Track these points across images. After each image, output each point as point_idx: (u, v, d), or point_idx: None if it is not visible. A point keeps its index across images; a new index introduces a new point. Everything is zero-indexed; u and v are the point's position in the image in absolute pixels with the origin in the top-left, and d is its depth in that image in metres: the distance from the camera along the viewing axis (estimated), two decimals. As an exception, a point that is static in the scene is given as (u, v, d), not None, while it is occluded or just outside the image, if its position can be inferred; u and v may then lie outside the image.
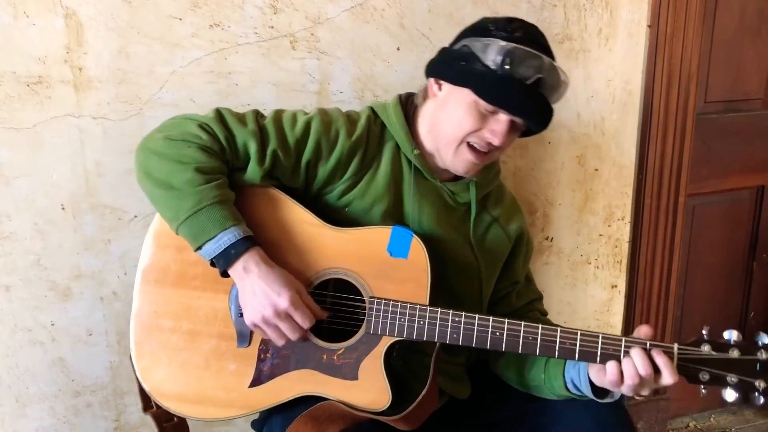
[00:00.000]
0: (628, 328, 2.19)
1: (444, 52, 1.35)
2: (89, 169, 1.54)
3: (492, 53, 1.24)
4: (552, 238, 2.02)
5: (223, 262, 1.21)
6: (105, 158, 1.54)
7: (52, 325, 1.61)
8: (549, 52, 1.30)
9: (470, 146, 1.30)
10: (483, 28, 1.30)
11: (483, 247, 1.42)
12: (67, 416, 1.68)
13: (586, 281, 2.10)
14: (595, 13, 1.85)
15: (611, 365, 1.18)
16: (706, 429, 2.44)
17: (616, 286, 2.15)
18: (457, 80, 1.29)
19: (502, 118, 1.27)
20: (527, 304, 1.52)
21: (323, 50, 1.64)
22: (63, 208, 1.55)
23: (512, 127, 1.29)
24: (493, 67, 1.24)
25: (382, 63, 1.69)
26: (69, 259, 1.58)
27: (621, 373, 1.18)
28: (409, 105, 1.41)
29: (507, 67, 1.23)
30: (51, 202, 1.54)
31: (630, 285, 2.15)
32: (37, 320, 1.60)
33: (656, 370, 1.17)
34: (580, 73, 1.88)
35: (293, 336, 1.23)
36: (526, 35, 1.27)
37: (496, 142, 1.27)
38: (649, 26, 1.91)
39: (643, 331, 1.21)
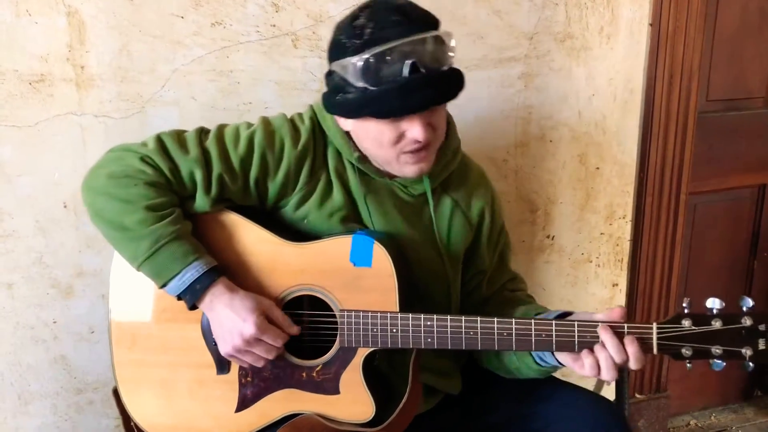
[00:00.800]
0: (629, 326, 2.19)
1: (326, 83, 1.28)
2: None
3: (354, 77, 1.18)
4: (553, 237, 2.02)
5: (190, 297, 1.21)
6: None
7: (54, 322, 1.62)
8: (406, 23, 1.17)
9: (405, 152, 1.25)
10: (338, 45, 1.22)
11: (449, 240, 1.38)
12: (69, 413, 1.69)
13: (587, 279, 2.10)
14: (597, 11, 1.85)
15: (588, 361, 1.17)
16: (707, 427, 2.44)
17: (617, 285, 2.15)
18: (347, 114, 1.25)
19: (412, 117, 1.20)
20: (499, 289, 1.47)
21: (325, 49, 1.62)
22: (65, 206, 1.55)
23: (428, 114, 1.22)
24: (363, 87, 1.17)
25: (384, 61, 1.69)
26: (71, 256, 1.58)
27: (598, 365, 1.17)
28: None
29: (374, 80, 1.16)
30: (53, 200, 1.54)
31: (631, 283, 2.15)
32: (39, 318, 1.60)
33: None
34: (581, 72, 1.88)
35: (269, 356, 1.23)
36: (376, 28, 1.17)
37: (422, 138, 1.21)
38: (651, 25, 1.91)
39: (616, 313, 1.18)
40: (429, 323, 1.21)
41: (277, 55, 1.60)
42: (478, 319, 1.20)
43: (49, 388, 1.65)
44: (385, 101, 1.17)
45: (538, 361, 1.29)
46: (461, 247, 1.39)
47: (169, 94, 1.56)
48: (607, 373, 1.16)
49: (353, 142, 1.31)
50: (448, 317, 1.21)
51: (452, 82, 1.22)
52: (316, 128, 1.33)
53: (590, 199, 2.02)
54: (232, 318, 1.20)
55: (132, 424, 1.33)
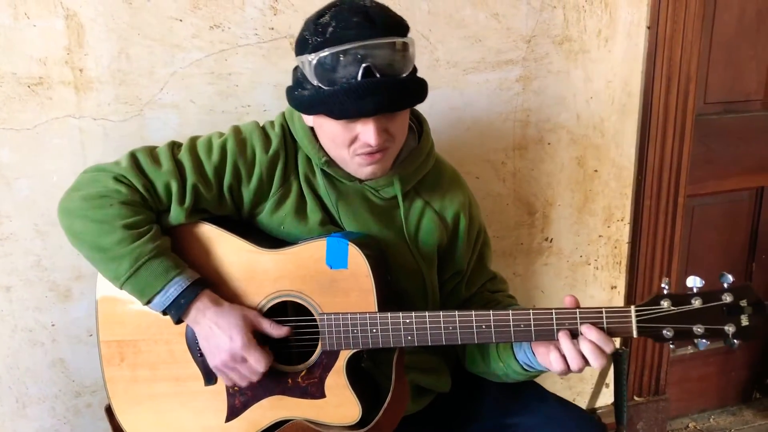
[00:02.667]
0: (627, 328, 2.19)
1: (292, 77, 1.28)
2: (90, 170, 1.54)
3: (310, 75, 1.18)
4: (551, 239, 2.02)
5: (175, 312, 1.22)
6: (105, 159, 1.53)
7: (53, 325, 1.62)
8: (368, 26, 1.15)
9: (359, 154, 1.24)
10: (301, 40, 1.21)
11: (419, 241, 1.37)
12: (68, 417, 1.68)
13: (585, 282, 2.10)
14: (595, 14, 1.86)
15: (554, 358, 1.17)
16: (706, 430, 2.44)
17: (615, 287, 2.15)
18: (302, 110, 1.25)
19: (366, 120, 1.19)
20: (478, 290, 1.46)
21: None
22: (63, 209, 1.55)
23: (384, 118, 1.20)
24: (318, 85, 1.17)
25: (382, 64, 1.69)
26: (69, 259, 1.58)
27: (565, 360, 1.16)
28: None
29: (328, 80, 1.16)
30: (51, 203, 1.54)
31: (629, 286, 2.15)
32: (38, 321, 1.60)
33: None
34: (579, 74, 1.89)
35: (253, 377, 1.23)
36: (337, 27, 1.15)
37: (374, 143, 1.20)
38: (649, 27, 1.91)
39: (568, 300, 1.18)
40: (408, 321, 1.21)
41: (275, 58, 1.61)
42: (456, 313, 1.20)
43: (47, 391, 1.65)
44: (335, 102, 1.16)
45: (526, 367, 1.29)
46: (433, 246, 1.38)
47: (168, 96, 1.56)
48: (574, 366, 1.15)
49: (321, 146, 1.31)
50: (426, 313, 1.21)
51: (408, 91, 1.20)
52: (287, 134, 1.33)
53: (588, 201, 2.02)
54: (218, 334, 1.21)
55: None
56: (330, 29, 1.16)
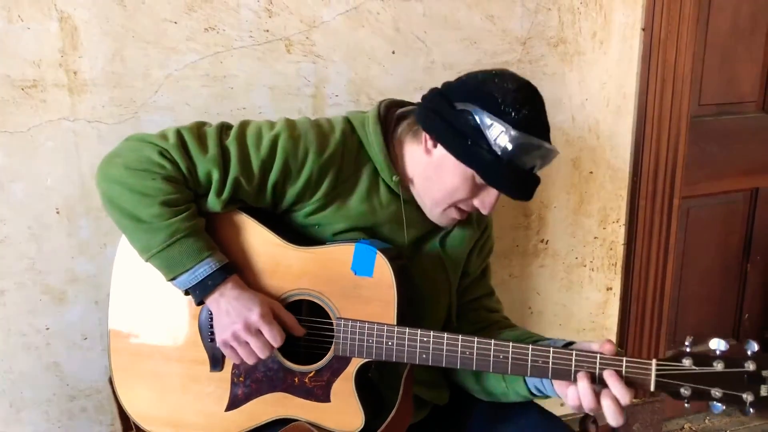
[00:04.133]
0: (623, 330, 2.20)
1: (446, 111, 1.24)
2: (84, 173, 1.54)
3: (501, 140, 1.19)
4: (547, 241, 2.02)
5: (200, 292, 1.21)
6: (100, 162, 1.54)
7: (47, 329, 1.61)
8: (548, 130, 1.28)
9: (458, 208, 1.29)
10: (491, 100, 1.21)
11: (457, 255, 1.39)
12: (62, 421, 1.68)
13: (581, 284, 2.10)
14: (590, 16, 1.86)
15: (571, 393, 1.13)
16: (701, 431, 2.45)
17: (611, 289, 2.15)
18: (462, 157, 1.23)
19: (494, 193, 1.27)
20: (473, 300, 1.45)
21: (318, 54, 1.64)
22: (58, 212, 1.55)
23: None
24: (499, 153, 1.20)
25: (377, 66, 1.69)
26: (64, 263, 1.58)
27: (580, 400, 1.13)
28: (389, 120, 1.34)
29: (514, 155, 1.20)
30: (46, 205, 1.54)
31: (625, 287, 2.16)
32: (32, 324, 1.59)
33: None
34: (574, 77, 1.89)
35: (262, 353, 1.21)
36: (531, 114, 1.22)
37: (484, 212, 1.28)
38: (643, 29, 1.91)
39: (606, 347, 1.13)
40: (425, 339, 1.19)
41: (270, 60, 1.60)
42: (475, 339, 1.17)
43: (42, 395, 1.64)
44: (502, 171, 1.21)
45: (534, 391, 1.27)
46: (464, 256, 1.42)
47: (163, 99, 1.55)
48: (587, 407, 1.12)
49: (394, 165, 1.31)
50: (445, 335, 1.18)
51: (534, 190, 1.30)
52: (348, 141, 1.30)
53: (584, 203, 2.03)
54: (237, 307, 1.20)
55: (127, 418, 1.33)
56: (524, 113, 1.20)
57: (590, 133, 1.96)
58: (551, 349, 1.15)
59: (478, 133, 1.20)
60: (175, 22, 1.52)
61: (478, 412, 1.42)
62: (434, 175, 1.28)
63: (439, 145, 1.26)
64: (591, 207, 2.04)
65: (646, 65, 1.93)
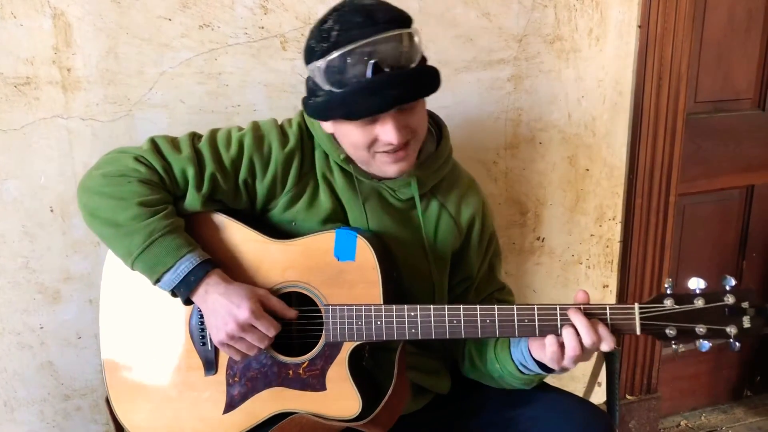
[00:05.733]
0: (619, 327, 2.20)
1: (305, 86, 1.28)
2: (78, 171, 1.53)
3: (321, 80, 1.19)
4: (543, 238, 2.02)
5: (185, 290, 1.21)
6: (94, 160, 1.51)
7: (41, 328, 1.60)
8: (370, 23, 1.16)
9: (381, 152, 1.25)
10: (309, 49, 1.22)
11: (435, 243, 1.38)
12: (57, 420, 1.67)
13: (577, 281, 2.10)
14: (586, 13, 1.86)
15: (550, 340, 1.18)
16: (697, 428, 2.45)
17: (607, 286, 2.15)
18: (319, 117, 1.26)
19: (384, 119, 1.20)
20: (486, 298, 1.47)
21: (314, 51, 1.63)
22: (51, 211, 1.54)
23: (402, 115, 1.20)
24: (329, 90, 1.18)
25: (373, 63, 1.68)
26: (58, 261, 1.57)
27: (561, 346, 1.17)
28: None
29: (339, 82, 1.16)
30: (39, 204, 1.53)
31: (621, 285, 2.16)
32: (26, 323, 1.58)
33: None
34: (570, 74, 1.89)
35: (261, 344, 1.23)
36: (341, 30, 1.16)
37: (395, 141, 1.20)
38: (639, 27, 1.91)
39: (580, 296, 1.19)
40: (413, 314, 1.21)
41: (265, 58, 1.60)
42: (461, 307, 1.21)
43: (36, 394, 1.64)
44: (349, 103, 1.17)
45: (521, 368, 1.30)
46: (448, 250, 1.40)
47: (157, 96, 1.54)
48: (571, 351, 1.16)
49: (339, 144, 1.31)
50: (431, 307, 1.21)
51: (421, 80, 1.20)
52: (304, 132, 1.35)
53: (580, 200, 2.03)
54: (226, 305, 1.21)
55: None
56: (334, 33, 1.17)
57: (586, 130, 1.96)
58: (536, 306, 1.19)
59: (316, 88, 1.22)
60: (170, 19, 1.51)
61: (490, 399, 1.42)
62: (343, 141, 1.28)
63: None
64: (587, 204, 2.04)
65: (642, 62, 1.93)
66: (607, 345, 1.17)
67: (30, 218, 1.53)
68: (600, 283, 2.14)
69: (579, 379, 2.23)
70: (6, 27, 1.42)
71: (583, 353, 1.17)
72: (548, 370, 1.27)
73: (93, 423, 1.70)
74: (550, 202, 1.99)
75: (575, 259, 2.08)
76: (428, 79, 1.22)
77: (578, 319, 1.16)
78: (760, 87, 2.22)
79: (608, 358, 2.18)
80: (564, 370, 1.23)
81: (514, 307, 1.19)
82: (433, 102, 1.76)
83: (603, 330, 1.17)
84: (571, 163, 1.98)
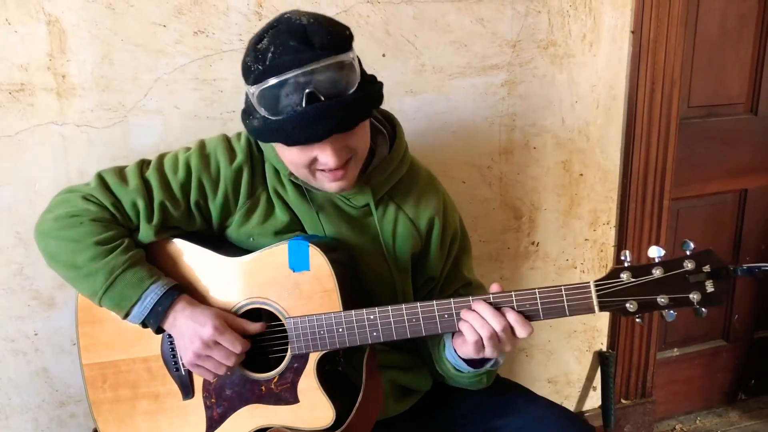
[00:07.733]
0: (614, 331, 2.20)
1: (245, 99, 1.25)
2: (73, 178, 1.52)
3: (256, 104, 1.15)
4: (538, 243, 2.02)
5: (154, 321, 1.22)
6: (88, 166, 1.53)
7: (36, 334, 1.59)
8: (304, 50, 1.11)
9: (321, 171, 1.22)
10: (245, 67, 1.17)
11: (394, 248, 1.36)
12: (51, 427, 1.66)
13: (572, 285, 2.10)
14: (579, 19, 1.86)
15: (464, 327, 1.17)
16: (692, 431, 2.46)
17: (602, 290, 2.15)
18: (259, 138, 1.24)
19: (323, 145, 1.16)
20: (451, 295, 1.41)
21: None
22: (46, 217, 1.54)
23: (341, 136, 1.16)
24: (264, 115, 1.15)
25: (368, 69, 1.66)
26: (52, 268, 1.56)
27: (475, 329, 1.16)
28: None
29: (273, 111, 1.13)
30: (34, 210, 1.52)
31: (616, 289, 2.16)
32: (20, 330, 1.58)
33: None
34: (564, 79, 1.89)
35: (228, 362, 1.22)
36: (275, 53, 1.12)
37: (332, 165, 1.17)
38: (632, 32, 1.92)
39: (494, 288, 1.18)
40: (372, 317, 1.21)
41: (260, 64, 1.60)
42: (418, 304, 1.20)
43: (31, 401, 1.63)
44: (286, 131, 1.13)
45: (457, 367, 1.30)
46: (408, 254, 1.38)
47: (152, 103, 1.54)
48: (482, 331, 1.16)
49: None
50: (389, 308, 1.21)
51: (357, 108, 1.15)
52: (252, 146, 1.32)
53: (574, 205, 2.03)
54: (191, 326, 1.22)
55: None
56: (269, 55, 1.12)
57: (580, 135, 1.97)
58: (491, 295, 1.17)
59: (252, 109, 1.18)
60: (164, 26, 1.51)
61: (476, 400, 1.42)
62: (282, 156, 1.25)
63: None
64: (581, 209, 2.04)
65: (635, 67, 1.94)
66: (521, 330, 1.15)
67: (24, 225, 1.52)
68: (595, 287, 2.14)
69: (574, 384, 2.23)
70: (0, 34, 1.42)
71: (500, 342, 1.16)
72: (477, 365, 1.27)
73: (87, 430, 1.69)
74: (545, 207, 2.00)
75: (570, 263, 2.08)
76: (365, 103, 1.17)
77: (481, 307, 1.16)
78: (753, 92, 2.23)
79: (603, 362, 2.19)
80: (496, 363, 1.25)
81: (470, 298, 1.18)
82: (428, 108, 1.77)
83: (512, 315, 1.15)
84: (565, 168, 1.98)
